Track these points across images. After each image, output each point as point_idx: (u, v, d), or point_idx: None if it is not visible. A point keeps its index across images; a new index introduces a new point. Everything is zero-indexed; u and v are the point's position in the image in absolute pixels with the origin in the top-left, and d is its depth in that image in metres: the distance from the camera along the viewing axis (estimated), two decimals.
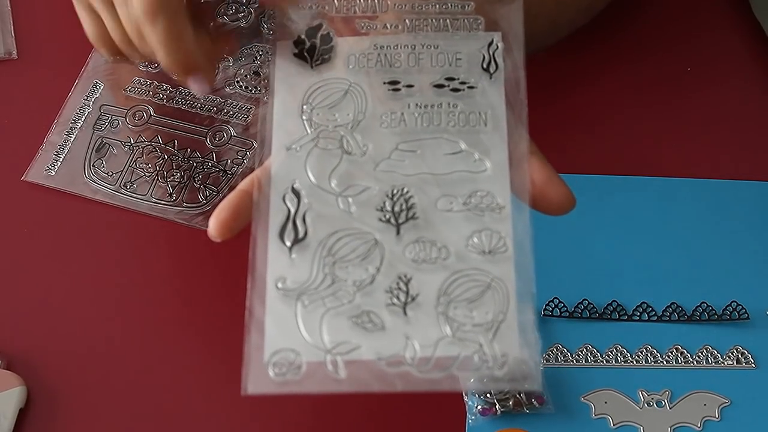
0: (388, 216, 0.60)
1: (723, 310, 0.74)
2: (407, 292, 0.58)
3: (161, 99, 0.83)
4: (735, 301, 0.74)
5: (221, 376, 0.73)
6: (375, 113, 0.62)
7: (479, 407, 0.71)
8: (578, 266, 0.76)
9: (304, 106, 0.63)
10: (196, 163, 0.80)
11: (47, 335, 0.75)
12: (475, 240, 0.59)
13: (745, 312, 0.74)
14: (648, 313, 0.74)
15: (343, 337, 0.58)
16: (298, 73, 0.63)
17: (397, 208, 0.60)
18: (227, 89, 0.83)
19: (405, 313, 0.58)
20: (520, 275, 0.59)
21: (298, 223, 0.60)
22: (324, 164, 0.61)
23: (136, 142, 0.82)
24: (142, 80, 0.84)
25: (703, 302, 0.74)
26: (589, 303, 0.74)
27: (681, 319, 0.74)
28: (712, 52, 0.86)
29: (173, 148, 0.81)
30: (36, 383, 0.73)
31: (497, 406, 0.71)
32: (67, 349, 0.74)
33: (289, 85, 0.63)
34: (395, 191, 0.61)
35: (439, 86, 0.63)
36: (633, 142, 0.82)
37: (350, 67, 0.63)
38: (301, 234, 0.60)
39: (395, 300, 0.58)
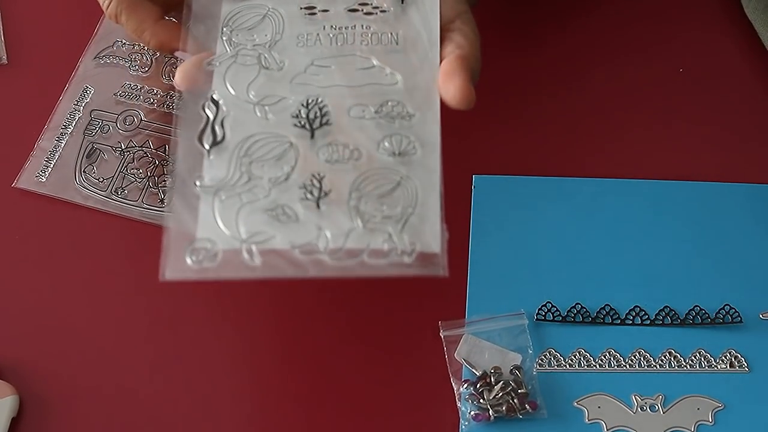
0: (303, 122, 0.65)
1: (716, 314, 0.74)
2: (320, 188, 0.63)
3: (152, 103, 0.83)
4: (728, 305, 0.74)
5: (213, 375, 0.73)
6: (291, 34, 0.68)
7: (472, 413, 0.71)
8: (571, 270, 0.76)
9: (224, 28, 0.69)
10: None
11: (39, 343, 0.75)
12: (386, 144, 0.65)
13: (738, 315, 0.74)
14: (641, 317, 0.74)
15: (259, 227, 0.62)
16: (218, 1, 0.70)
17: (311, 115, 0.66)
18: None
19: (318, 206, 0.63)
20: (428, 174, 0.64)
21: (217, 128, 0.66)
22: (242, 78, 0.67)
23: (127, 148, 0.81)
24: (132, 84, 0.84)
25: (696, 306, 0.74)
26: (581, 307, 0.74)
27: (674, 322, 0.74)
28: (704, 53, 0.86)
29: (164, 153, 0.81)
30: (28, 392, 0.73)
31: (490, 412, 0.71)
32: (60, 357, 0.74)
33: (209, 11, 0.69)
34: (310, 100, 0.66)
35: (353, 11, 0.69)
36: (624, 144, 0.81)
37: None
38: (219, 137, 0.65)
39: (309, 195, 0.63)
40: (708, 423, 0.71)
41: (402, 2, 0.69)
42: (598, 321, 0.74)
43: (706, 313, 0.74)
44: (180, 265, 0.62)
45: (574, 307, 0.74)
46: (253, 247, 0.62)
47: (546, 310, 0.74)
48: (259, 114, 0.66)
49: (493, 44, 0.84)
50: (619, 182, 0.79)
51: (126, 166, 0.81)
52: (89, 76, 0.84)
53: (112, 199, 0.79)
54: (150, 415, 0.73)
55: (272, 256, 0.62)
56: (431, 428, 0.72)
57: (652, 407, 0.72)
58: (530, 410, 0.71)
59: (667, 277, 0.75)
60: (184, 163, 0.65)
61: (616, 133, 0.82)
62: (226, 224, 0.63)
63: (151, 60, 0.84)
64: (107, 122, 0.82)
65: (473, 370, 0.72)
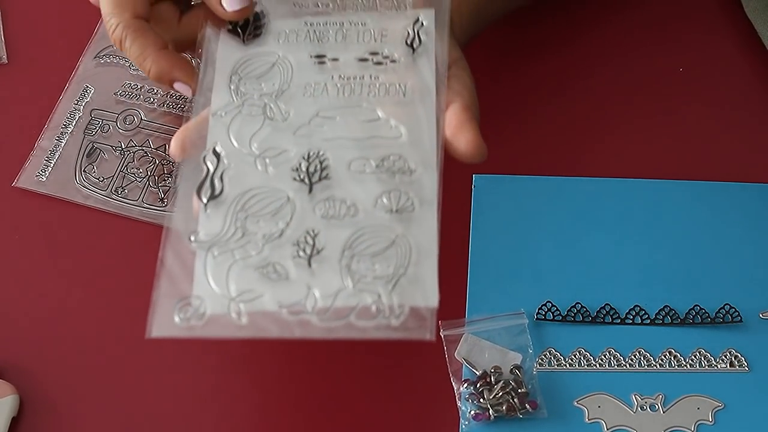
0: (302, 176, 0.64)
1: (716, 313, 0.74)
2: (313, 246, 0.62)
3: (152, 103, 0.83)
4: (728, 304, 0.74)
5: (213, 375, 0.73)
6: (299, 83, 0.67)
7: (472, 412, 0.71)
8: (571, 270, 0.76)
9: (233, 77, 0.67)
10: None
11: (39, 343, 0.75)
12: (384, 200, 0.63)
13: (738, 315, 0.74)
14: (641, 317, 0.74)
15: (248, 285, 0.61)
16: (230, 46, 0.68)
17: (311, 169, 0.64)
18: None
19: (309, 264, 0.62)
20: (425, 234, 0.62)
21: (216, 181, 0.64)
22: (246, 129, 0.66)
23: (127, 147, 0.81)
24: (132, 84, 0.84)
25: (696, 305, 0.74)
26: (582, 306, 0.74)
27: (674, 322, 0.74)
28: (704, 53, 0.86)
29: (164, 153, 0.81)
30: (28, 391, 0.73)
31: (490, 411, 0.71)
32: (60, 357, 0.74)
33: (220, 58, 0.68)
34: (311, 153, 0.65)
35: (363, 60, 0.67)
36: (624, 144, 0.81)
37: (280, 41, 0.68)
38: (217, 191, 0.64)
39: (301, 252, 0.62)
40: (708, 423, 0.71)
41: (413, 52, 0.67)
42: (598, 320, 0.74)
43: (706, 312, 0.74)
44: (167, 322, 0.61)
45: (574, 306, 0.74)
46: (241, 306, 0.61)
47: (546, 310, 0.74)
48: (259, 167, 0.65)
49: (493, 44, 0.84)
50: (619, 182, 0.79)
51: (126, 166, 0.81)
52: (89, 76, 0.84)
53: (112, 199, 0.79)
54: (150, 415, 0.73)
55: (258, 314, 0.61)
56: (431, 428, 0.72)
57: (652, 407, 0.72)
58: (530, 410, 0.71)
59: (667, 277, 0.75)
60: (180, 216, 0.64)
61: (616, 132, 0.82)
62: (216, 281, 0.62)
63: None
64: (107, 122, 0.82)
65: (473, 369, 0.72)
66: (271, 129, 0.66)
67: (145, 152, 0.81)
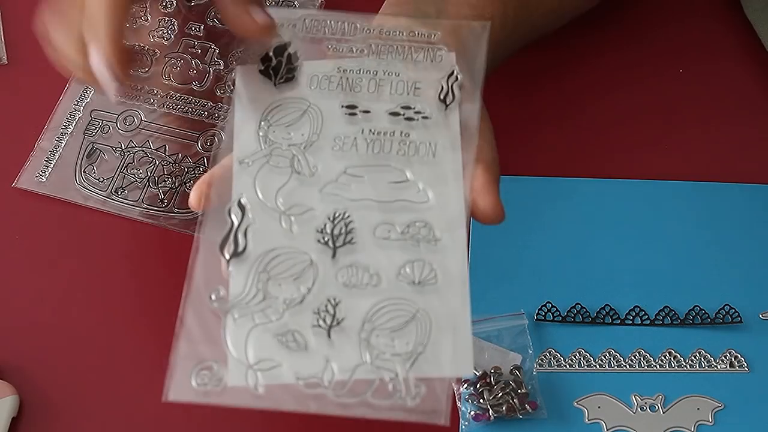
0: (326, 238, 0.62)
1: (716, 314, 0.74)
2: (334, 315, 0.60)
3: (152, 103, 0.83)
4: (728, 305, 0.74)
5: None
6: (329, 135, 0.65)
7: (472, 413, 0.71)
8: (571, 270, 0.76)
9: (262, 123, 0.65)
10: (188, 168, 0.80)
11: (39, 343, 0.75)
12: (407, 270, 0.61)
13: (738, 315, 0.74)
14: (641, 317, 0.74)
15: (267, 354, 0.60)
16: (261, 89, 0.66)
17: (336, 231, 0.62)
18: (218, 93, 0.83)
19: (329, 335, 0.60)
20: (447, 309, 0.60)
21: (240, 236, 0.62)
22: (272, 181, 0.64)
23: (127, 148, 0.81)
24: (132, 84, 0.83)
25: (695, 306, 0.74)
26: (581, 307, 0.74)
27: (674, 322, 0.74)
28: (704, 53, 0.86)
29: (164, 154, 0.81)
30: (28, 392, 0.73)
31: (490, 412, 0.71)
32: (60, 357, 0.74)
33: (250, 101, 0.66)
34: (337, 214, 0.63)
35: (395, 114, 0.65)
36: (624, 144, 0.81)
37: (312, 88, 0.66)
38: (240, 248, 0.62)
39: (321, 322, 0.60)
40: (708, 423, 0.71)
41: (446, 108, 0.65)
42: (598, 321, 0.74)
43: (706, 313, 0.74)
44: (185, 386, 0.60)
45: (574, 307, 0.74)
46: (259, 375, 0.59)
47: (546, 310, 0.74)
48: (284, 225, 0.63)
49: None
50: (619, 182, 0.79)
51: (126, 166, 0.81)
52: None
53: (112, 199, 0.79)
54: (150, 415, 0.73)
55: (276, 386, 0.59)
56: (431, 428, 0.72)
57: (652, 407, 0.72)
58: (530, 410, 0.71)
59: (667, 277, 0.75)
60: (202, 273, 0.62)
61: (616, 133, 0.82)
62: (235, 346, 0.60)
63: (151, 60, 0.84)
64: (107, 122, 0.82)
65: (473, 370, 0.72)
66: (297, 183, 0.64)
67: (145, 153, 0.81)
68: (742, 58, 0.85)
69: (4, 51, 0.86)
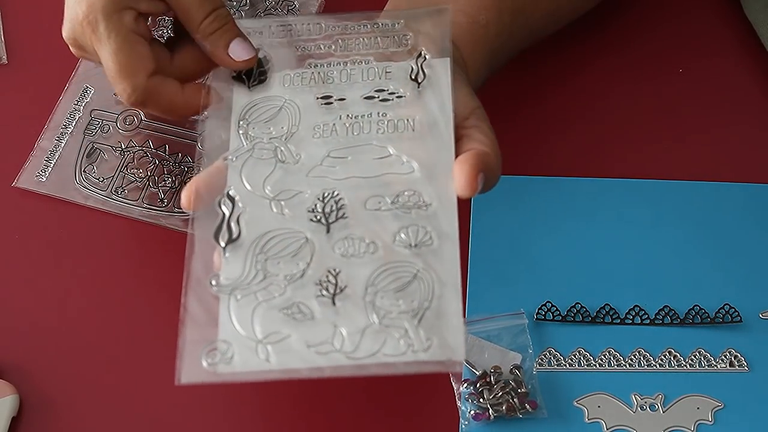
0: (318, 216, 0.64)
1: (716, 313, 0.74)
2: (336, 284, 0.62)
3: None
4: (728, 304, 0.74)
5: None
6: (308, 125, 0.67)
7: (472, 412, 0.71)
8: (571, 270, 0.76)
9: (241, 122, 0.67)
10: (188, 168, 0.80)
11: (39, 343, 0.75)
12: (402, 236, 0.63)
13: (738, 315, 0.74)
14: (641, 317, 0.74)
15: (274, 327, 0.61)
16: (236, 92, 0.69)
17: (327, 209, 0.64)
18: None
19: (334, 303, 0.62)
20: (446, 266, 0.62)
21: (233, 225, 0.64)
22: (259, 172, 0.66)
23: (127, 147, 0.81)
24: None
25: (695, 305, 0.74)
26: (581, 307, 0.74)
27: (674, 322, 0.74)
28: (704, 53, 0.86)
29: (164, 153, 0.81)
30: (28, 391, 0.73)
31: (490, 411, 0.71)
32: (60, 357, 0.74)
33: (226, 104, 0.68)
34: (326, 194, 0.65)
35: (370, 98, 0.67)
36: (624, 144, 0.82)
37: (285, 86, 0.68)
38: (234, 234, 0.64)
39: (324, 292, 0.62)
40: (708, 422, 0.71)
41: (418, 86, 0.67)
42: (597, 320, 0.74)
43: (705, 312, 0.74)
44: (196, 368, 0.61)
45: (573, 306, 0.74)
46: (269, 348, 0.61)
47: (546, 310, 0.74)
48: (275, 209, 0.65)
49: None
50: (619, 182, 0.79)
51: (126, 166, 0.81)
52: (89, 76, 0.84)
53: (112, 199, 0.79)
54: (150, 415, 0.73)
55: (287, 356, 0.61)
56: (431, 427, 0.72)
57: (651, 406, 0.72)
58: (530, 410, 0.71)
59: (667, 277, 0.75)
60: (199, 262, 0.64)
61: (615, 133, 0.82)
62: (242, 324, 0.61)
63: None
64: (107, 122, 0.82)
65: (473, 369, 0.72)
66: (283, 172, 0.66)
67: (145, 153, 0.81)
68: (742, 58, 0.85)
69: (4, 51, 0.86)
